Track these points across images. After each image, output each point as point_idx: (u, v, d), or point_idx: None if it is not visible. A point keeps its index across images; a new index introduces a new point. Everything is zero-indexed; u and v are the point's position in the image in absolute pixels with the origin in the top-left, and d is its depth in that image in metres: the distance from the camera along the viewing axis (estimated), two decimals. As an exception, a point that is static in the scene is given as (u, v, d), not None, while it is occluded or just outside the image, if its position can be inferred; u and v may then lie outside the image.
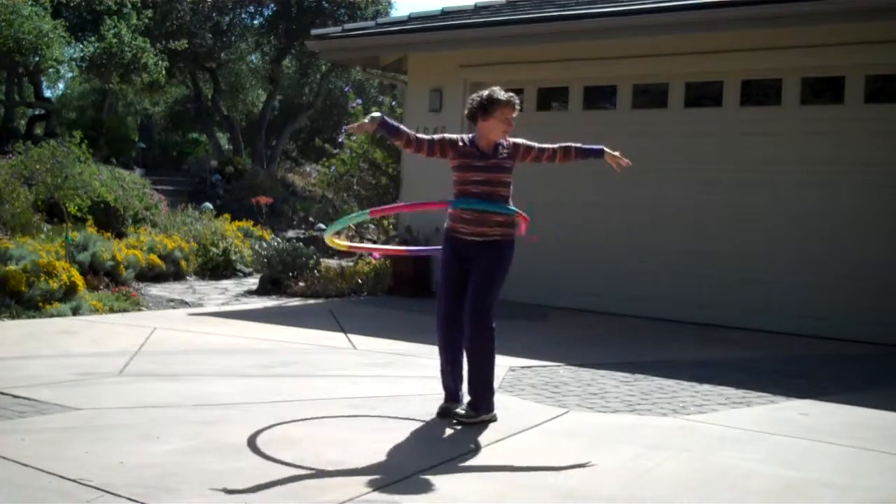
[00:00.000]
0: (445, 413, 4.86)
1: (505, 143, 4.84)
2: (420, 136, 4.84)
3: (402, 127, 4.82)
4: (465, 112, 4.91)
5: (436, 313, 4.95)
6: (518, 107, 4.83)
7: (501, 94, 4.79)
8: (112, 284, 9.76)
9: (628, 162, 5.06)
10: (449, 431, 4.63)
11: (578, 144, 5.05)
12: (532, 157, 4.91)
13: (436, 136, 4.86)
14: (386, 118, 4.71)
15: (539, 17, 9.18)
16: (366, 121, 4.67)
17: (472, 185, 4.75)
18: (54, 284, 8.15)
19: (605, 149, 5.05)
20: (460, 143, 4.80)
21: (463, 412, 4.78)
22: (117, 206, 12.73)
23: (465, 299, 4.76)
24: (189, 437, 4.29)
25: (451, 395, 4.94)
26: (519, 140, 4.90)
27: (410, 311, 8.90)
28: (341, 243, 5.45)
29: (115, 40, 18.54)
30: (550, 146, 4.97)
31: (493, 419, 4.80)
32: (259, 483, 3.66)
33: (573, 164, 5.33)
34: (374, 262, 10.99)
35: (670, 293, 8.95)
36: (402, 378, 5.96)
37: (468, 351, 4.79)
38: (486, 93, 4.81)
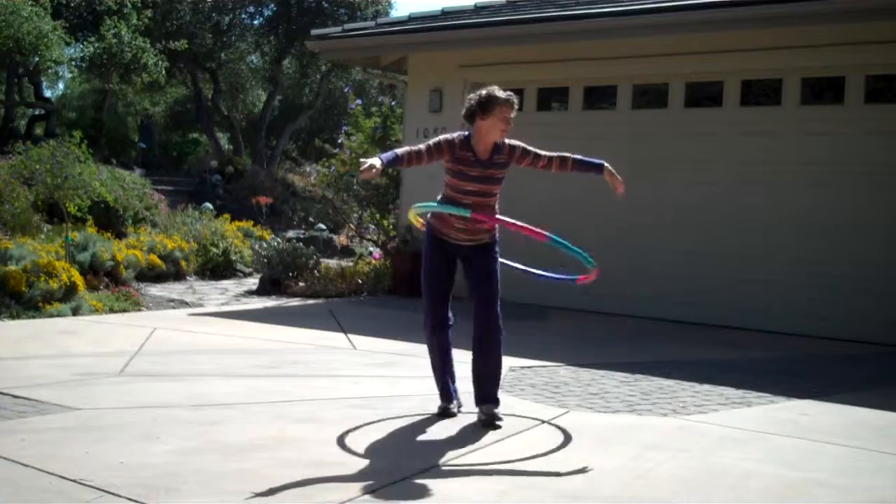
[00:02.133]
0: (445, 413, 4.87)
1: (502, 146, 4.77)
2: (414, 149, 4.68)
3: (397, 153, 4.63)
4: (463, 112, 4.81)
5: (424, 314, 4.90)
6: (516, 106, 4.78)
7: (500, 92, 4.75)
8: (112, 284, 9.76)
9: (623, 190, 4.82)
10: (449, 431, 4.62)
11: (578, 156, 4.89)
12: (528, 161, 4.82)
13: (431, 142, 4.71)
14: (383, 158, 4.50)
15: (539, 17, 9.18)
16: (372, 167, 4.38)
17: (463, 194, 4.71)
18: (54, 284, 8.15)
19: (606, 165, 4.86)
20: (456, 145, 4.70)
21: (496, 413, 4.73)
22: (117, 206, 12.74)
23: (450, 299, 4.83)
24: (189, 437, 4.29)
25: (447, 394, 4.93)
26: (517, 143, 4.83)
27: (410, 311, 8.89)
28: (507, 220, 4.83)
29: (114, 40, 18.57)
30: (548, 154, 4.83)
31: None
32: (259, 483, 3.66)
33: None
34: (374, 262, 10.99)
35: (670, 293, 8.95)
36: (401, 378, 5.96)
37: (485, 345, 4.74)
38: (484, 91, 4.74)
